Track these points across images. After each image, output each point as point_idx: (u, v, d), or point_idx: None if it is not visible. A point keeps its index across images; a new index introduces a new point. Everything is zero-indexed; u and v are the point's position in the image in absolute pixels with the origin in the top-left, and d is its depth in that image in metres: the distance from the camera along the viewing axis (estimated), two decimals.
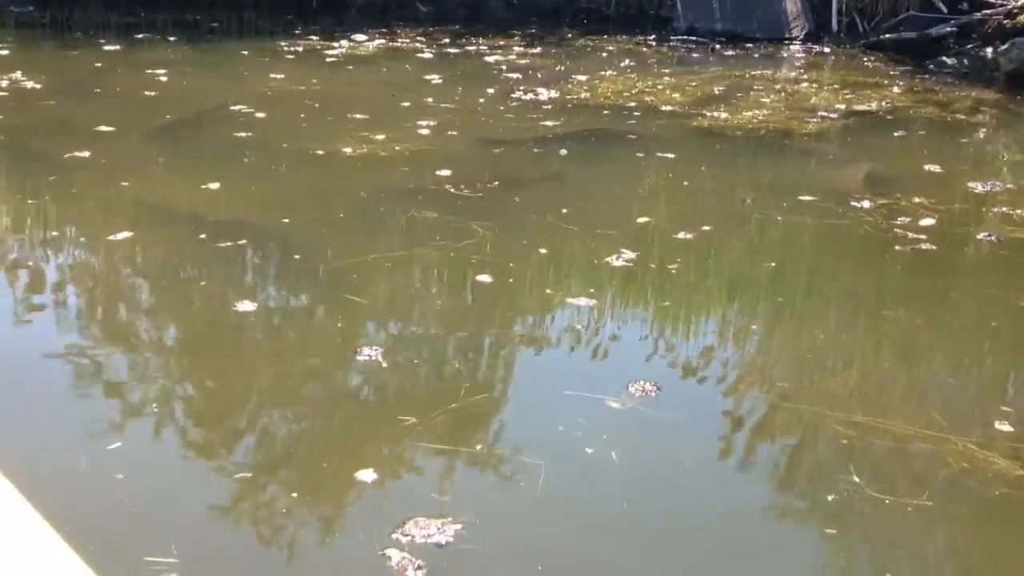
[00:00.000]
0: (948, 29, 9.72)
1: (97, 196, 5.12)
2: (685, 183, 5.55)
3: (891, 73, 8.92)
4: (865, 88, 8.16)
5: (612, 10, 11.70)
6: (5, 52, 8.75)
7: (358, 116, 6.62)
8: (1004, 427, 3.14)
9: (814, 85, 8.50)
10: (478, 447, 2.97)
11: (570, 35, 10.64)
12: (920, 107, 7.58)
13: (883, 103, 7.65)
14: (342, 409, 3.24)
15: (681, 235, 4.64)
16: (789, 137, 6.65)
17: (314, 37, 9.96)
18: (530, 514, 2.69)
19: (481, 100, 7.38)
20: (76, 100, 6.99)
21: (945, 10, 10.04)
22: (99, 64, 8.32)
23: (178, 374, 3.40)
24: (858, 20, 10.72)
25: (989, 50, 9.12)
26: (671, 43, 10.29)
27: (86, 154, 5.57)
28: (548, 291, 4.08)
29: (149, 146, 5.91)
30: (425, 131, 6.31)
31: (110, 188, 5.12)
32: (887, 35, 10.01)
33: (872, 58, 9.65)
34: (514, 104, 7.24)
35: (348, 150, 5.80)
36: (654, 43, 10.26)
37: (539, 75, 8.37)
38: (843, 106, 7.51)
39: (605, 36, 10.50)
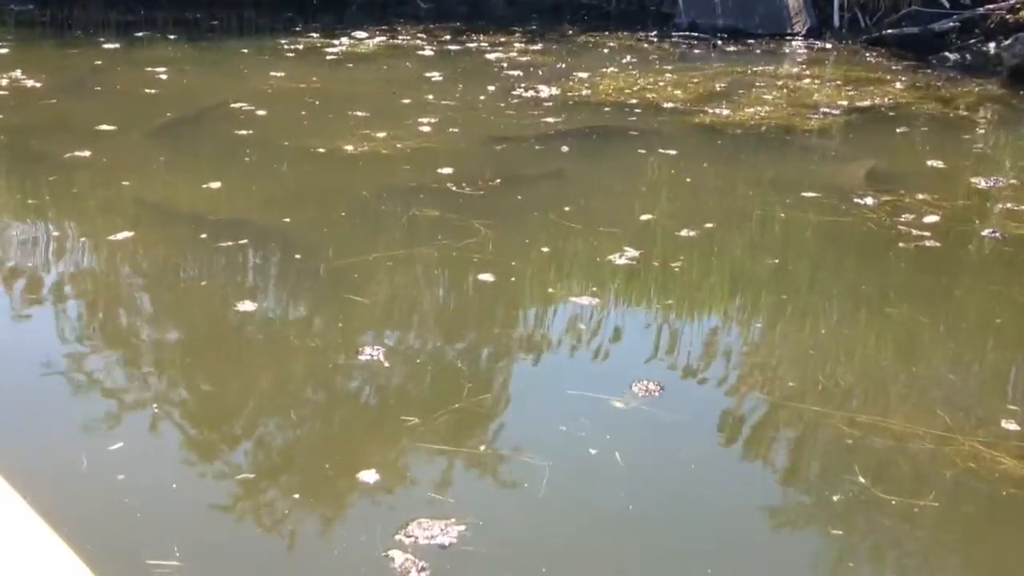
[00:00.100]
0: (951, 24, 9.68)
1: (98, 195, 5.11)
2: (687, 180, 5.54)
3: (893, 69, 8.89)
4: (867, 84, 8.13)
5: (613, 6, 11.69)
6: (5, 51, 8.74)
7: (359, 114, 6.61)
8: (1010, 426, 3.12)
9: (816, 81, 8.47)
10: (481, 447, 2.95)
11: (571, 32, 10.61)
12: (923, 103, 7.55)
13: (885, 99, 7.62)
14: (344, 409, 3.23)
15: (684, 232, 4.63)
16: (791, 133, 6.63)
17: (314, 35, 9.94)
18: (533, 515, 2.67)
19: (482, 97, 7.36)
20: (76, 99, 6.98)
21: (948, 5, 10.01)
22: (99, 62, 8.31)
23: (179, 374, 3.38)
24: (860, 15, 10.69)
25: (992, 45, 9.10)
26: (672, 39, 10.26)
27: (86, 153, 5.55)
28: (550, 290, 4.06)
29: (150, 145, 5.90)
30: (426, 129, 6.29)
31: (111, 187, 5.11)
32: (889, 30, 9.98)
33: (874, 54, 9.61)
34: (515, 101, 7.22)
35: (349, 148, 5.79)
36: (655, 39, 10.24)
37: (540, 72, 8.34)
38: (845, 102, 7.49)
39: (606, 33, 10.47)
